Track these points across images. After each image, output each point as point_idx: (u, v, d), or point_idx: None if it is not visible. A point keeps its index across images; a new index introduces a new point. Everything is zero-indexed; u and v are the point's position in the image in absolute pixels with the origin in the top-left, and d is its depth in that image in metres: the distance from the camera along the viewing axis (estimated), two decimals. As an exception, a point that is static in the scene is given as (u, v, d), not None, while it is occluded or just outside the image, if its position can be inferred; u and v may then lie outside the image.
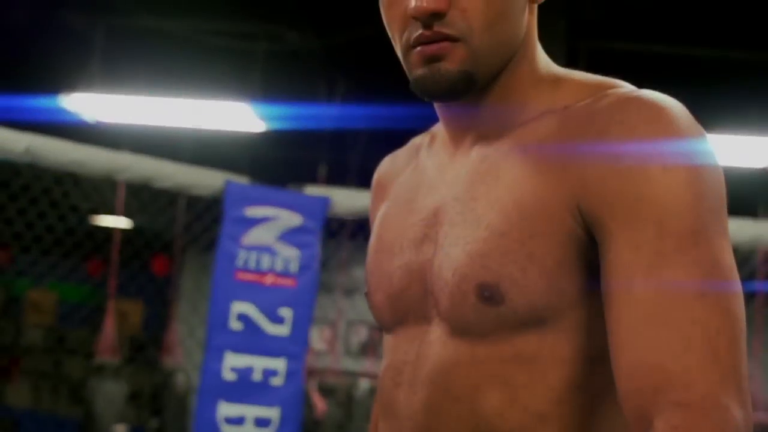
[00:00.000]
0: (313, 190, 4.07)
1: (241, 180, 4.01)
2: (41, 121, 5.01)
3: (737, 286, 0.94)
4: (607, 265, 0.97)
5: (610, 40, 5.30)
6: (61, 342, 11.34)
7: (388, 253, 1.19)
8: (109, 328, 6.34)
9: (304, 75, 6.16)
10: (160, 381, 7.73)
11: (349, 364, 8.78)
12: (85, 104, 5.74)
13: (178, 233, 4.36)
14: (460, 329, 1.07)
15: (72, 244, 6.04)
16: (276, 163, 7.21)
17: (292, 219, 3.91)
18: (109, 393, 6.50)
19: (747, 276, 4.04)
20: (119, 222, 4.86)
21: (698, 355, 0.89)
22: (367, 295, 1.24)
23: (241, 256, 3.87)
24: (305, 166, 6.81)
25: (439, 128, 1.27)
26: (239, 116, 5.84)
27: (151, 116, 5.94)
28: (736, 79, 5.58)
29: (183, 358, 7.79)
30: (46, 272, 11.14)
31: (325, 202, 3.94)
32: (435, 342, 1.10)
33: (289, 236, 3.90)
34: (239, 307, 3.85)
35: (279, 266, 3.88)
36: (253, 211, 3.89)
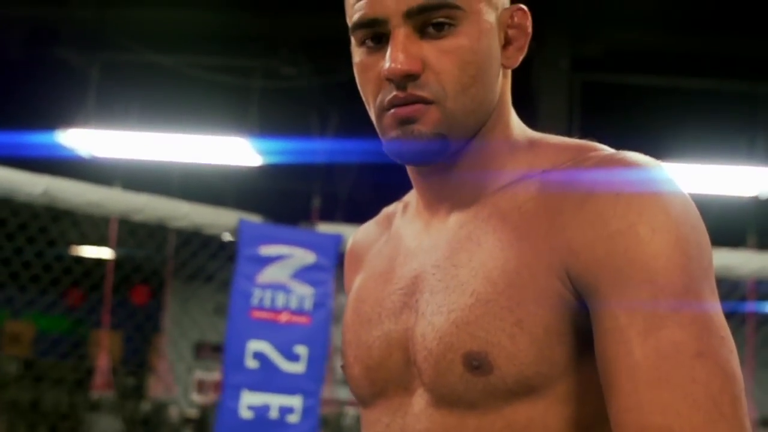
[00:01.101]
0: (325, 228, 4.11)
1: (254, 218, 4.04)
2: (38, 157, 5.00)
3: (731, 344, 0.94)
4: (602, 329, 0.95)
5: (605, 73, 5.40)
6: (33, 370, 11.20)
7: (365, 324, 1.15)
8: (104, 362, 6.30)
9: (298, 110, 6.21)
10: (150, 413, 7.68)
11: (336, 392, 8.76)
12: (82, 140, 5.74)
13: (168, 263, 4.38)
14: (446, 400, 1.03)
15: (52, 275, 6.02)
16: (268, 196, 7.23)
17: (305, 257, 3.94)
18: (106, 427, 6.46)
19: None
20: (107, 253, 4.86)
21: (704, 414, 0.88)
22: (343, 368, 1.19)
23: (256, 294, 3.89)
24: (297, 198, 6.84)
25: (411, 197, 1.24)
26: (236, 150, 5.86)
27: (148, 151, 5.94)
28: (726, 110, 5.70)
29: (175, 389, 7.75)
30: (22, 303, 11.03)
31: (338, 239, 3.98)
32: (420, 414, 1.06)
33: (303, 274, 3.93)
34: (255, 345, 3.87)
35: (294, 304, 3.91)
36: (267, 250, 3.92)
